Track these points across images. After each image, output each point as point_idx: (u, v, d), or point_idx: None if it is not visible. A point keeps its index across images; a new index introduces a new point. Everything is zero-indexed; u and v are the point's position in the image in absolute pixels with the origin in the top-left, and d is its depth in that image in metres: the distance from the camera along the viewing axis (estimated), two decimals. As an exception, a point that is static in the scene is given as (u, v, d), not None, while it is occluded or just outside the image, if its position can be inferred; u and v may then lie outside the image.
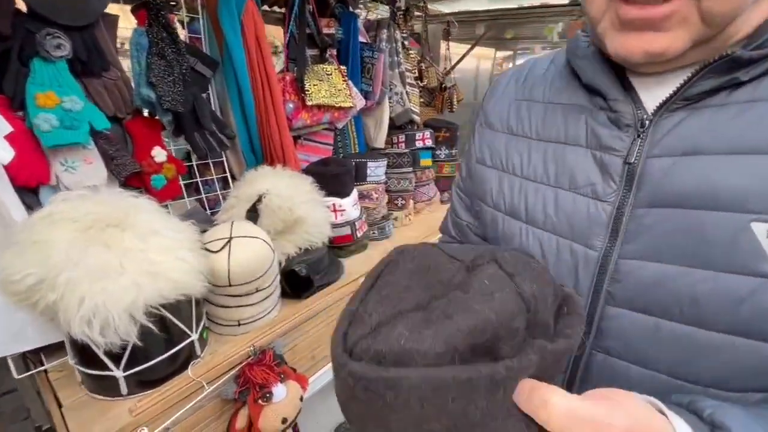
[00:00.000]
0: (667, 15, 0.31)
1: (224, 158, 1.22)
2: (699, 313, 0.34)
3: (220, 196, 1.21)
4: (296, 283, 1.07)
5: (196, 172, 1.15)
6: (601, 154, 0.40)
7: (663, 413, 0.26)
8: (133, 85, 0.96)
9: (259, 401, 0.87)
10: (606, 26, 0.35)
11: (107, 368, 0.73)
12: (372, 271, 0.31)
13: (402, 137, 1.68)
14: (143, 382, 0.77)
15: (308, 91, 1.26)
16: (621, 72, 0.40)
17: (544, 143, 0.45)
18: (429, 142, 1.69)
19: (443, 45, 2.38)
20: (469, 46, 2.82)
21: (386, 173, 1.51)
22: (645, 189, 0.37)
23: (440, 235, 0.65)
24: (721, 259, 0.33)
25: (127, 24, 0.98)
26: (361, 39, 1.56)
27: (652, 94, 0.38)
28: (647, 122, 0.37)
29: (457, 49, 3.04)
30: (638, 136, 0.37)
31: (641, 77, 0.39)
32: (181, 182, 1.09)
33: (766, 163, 0.31)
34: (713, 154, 0.34)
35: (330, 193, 1.24)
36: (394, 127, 1.76)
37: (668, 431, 0.24)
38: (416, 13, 2.03)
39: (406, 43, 1.82)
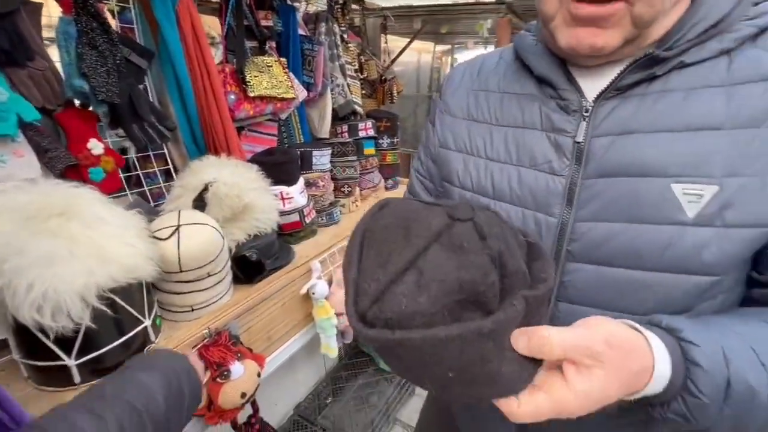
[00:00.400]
0: (611, 14, 0.39)
1: (166, 150, 1.21)
2: (638, 258, 0.42)
3: (164, 189, 1.20)
4: (247, 268, 1.11)
5: (137, 165, 1.14)
6: (555, 135, 0.47)
7: (635, 329, 0.34)
8: (63, 75, 0.93)
9: (218, 379, 0.92)
10: (558, 23, 0.43)
11: (58, 358, 0.73)
12: (358, 227, 0.35)
13: (345, 127, 1.75)
14: (97, 370, 0.78)
15: (249, 82, 1.28)
16: (563, 65, 0.48)
17: (503, 128, 0.52)
18: (371, 132, 1.78)
19: (382, 38, 2.47)
20: (408, 40, 2.94)
21: (331, 162, 1.57)
22: (591, 163, 0.45)
23: None
24: (651, 214, 0.41)
25: (52, 13, 0.94)
26: (301, 32, 1.60)
27: (590, 85, 0.46)
28: (590, 108, 0.45)
29: (398, 42, 3.15)
30: (583, 119, 0.45)
31: (581, 70, 0.48)
32: (122, 175, 1.07)
33: (678, 138, 0.41)
34: (640, 133, 0.42)
35: (277, 181, 1.28)
36: (338, 118, 1.82)
37: (640, 339, 0.33)
38: (354, 7, 2.09)
39: (345, 36, 1.88)
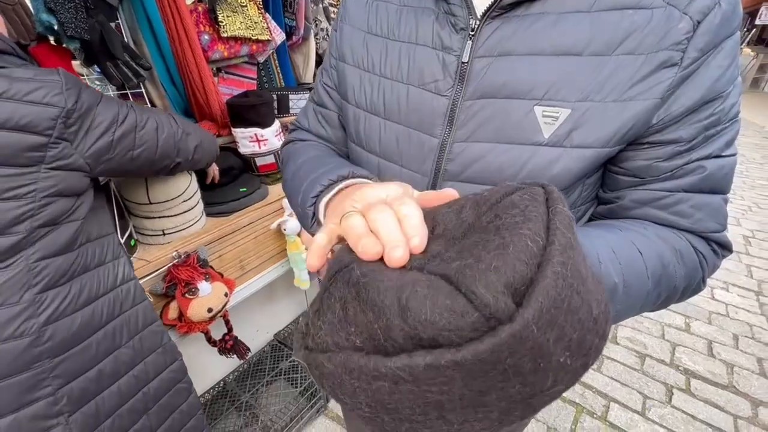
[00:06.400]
0: None
1: (143, 90, 1.27)
2: (500, 176, 0.44)
3: (144, 127, 1.28)
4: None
5: (115, 103, 1.20)
6: (443, 54, 0.46)
7: None
8: (32, 10, 0.98)
9: (186, 295, 1.03)
10: None
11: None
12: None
13: (328, 73, 1.75)
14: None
15: (222, 22, 1.30)
16: None
17: (398, 42, 0.50)
18: (355, 78, 1.78)
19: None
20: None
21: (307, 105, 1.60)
22: (471, 84, 0.44)
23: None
24: (515, 134, 0.43)
25: (17, -53, 0.98)
26: (281, -29, 1.57)
27: (481, 4, 0.44)
28: (475, 27, 0.44)
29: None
30: (470, 38, 0.44)
31: None
32: (100, 111, 1.15)
33: (545, 61, 0.41)
34: (516, 55, 0.42)
35: (251, 123, 1.34)
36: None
37: None
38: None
39: (331, -24, 1.83)
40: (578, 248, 0.25)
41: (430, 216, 0.31)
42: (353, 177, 0.44)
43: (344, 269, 0.27)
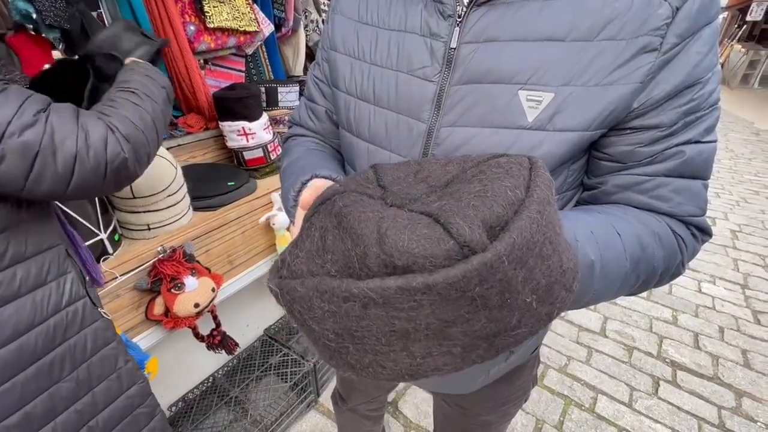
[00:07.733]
0: None
1: (127, 81, 1.24)
2: None
3: (128, 120, 1.25)
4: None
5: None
6: (431, 40, 0.47)
7: None
8: (8, -2, 0.95)
9: (172, 290, 1.02)
10: None
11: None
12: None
13: (318, 66, 1.73)
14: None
15: (208, 12, 1.27)
16: None
17: (388, 31, 0.51)
18: (345, 71, 1.76)
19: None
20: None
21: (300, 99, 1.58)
22: (458, 69, 0.45)
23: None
24: (500, 119, 0.44)
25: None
26: (269, -40, 1.54)
27: None
28: (463, 13, 0.45)
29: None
30: (457, 25, 0.45)
31: None
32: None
33: (529, 47, 0.42)
34: (501, 41, 0.43)
35: (238, 116, 1.32)
36: (313, 55, 1.79)
37: None
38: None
39: (321, -33, 1.80)
40: (555, 207, 0.26)
41: (416, 163, 0.34)
42: (316, 177, 0.50)
43: (327, 201, 0.29)
